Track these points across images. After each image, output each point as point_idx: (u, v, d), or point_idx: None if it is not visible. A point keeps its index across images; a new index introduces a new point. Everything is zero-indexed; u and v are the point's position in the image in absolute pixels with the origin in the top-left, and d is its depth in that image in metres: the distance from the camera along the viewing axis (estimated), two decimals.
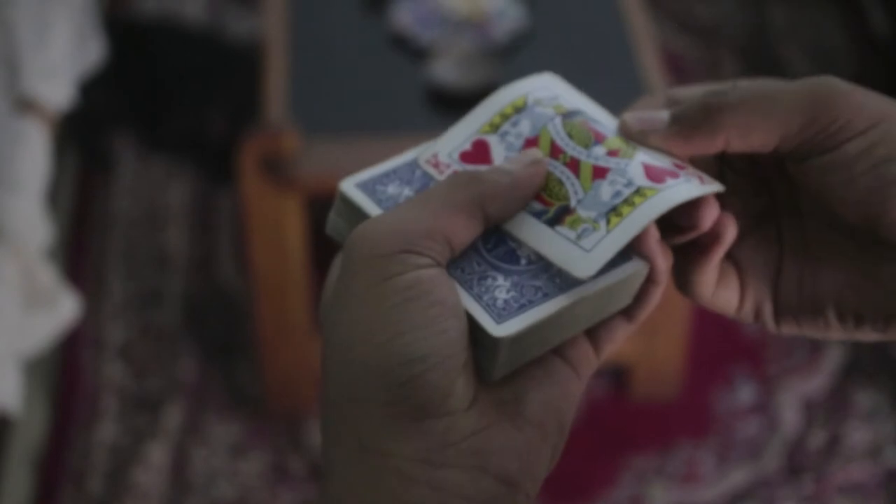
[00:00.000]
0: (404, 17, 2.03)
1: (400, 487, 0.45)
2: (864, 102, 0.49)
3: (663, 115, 0.52)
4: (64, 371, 2.15)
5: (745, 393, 2.12)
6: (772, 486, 2.00)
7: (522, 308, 0.48)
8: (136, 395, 2.13)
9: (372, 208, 0.52)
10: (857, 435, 2.06)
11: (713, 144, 0.51)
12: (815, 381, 2.14)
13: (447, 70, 1.93)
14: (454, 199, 0.49)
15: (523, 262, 0.50)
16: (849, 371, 2.15)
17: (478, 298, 0.48)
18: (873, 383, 2.13)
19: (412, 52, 1.99)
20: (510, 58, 1.98)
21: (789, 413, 2.09)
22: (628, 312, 0.52)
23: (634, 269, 0.50)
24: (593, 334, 0.52)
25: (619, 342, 0.52)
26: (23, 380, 1.91)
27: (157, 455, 2.03)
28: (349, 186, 0.53)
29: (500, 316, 0.48)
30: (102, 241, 2.37)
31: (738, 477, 2.01)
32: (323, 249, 2.24)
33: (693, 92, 0.53)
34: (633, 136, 0.52)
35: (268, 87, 1.90)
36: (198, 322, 2.23)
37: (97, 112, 2.52)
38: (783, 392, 2.12)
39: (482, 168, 0.52)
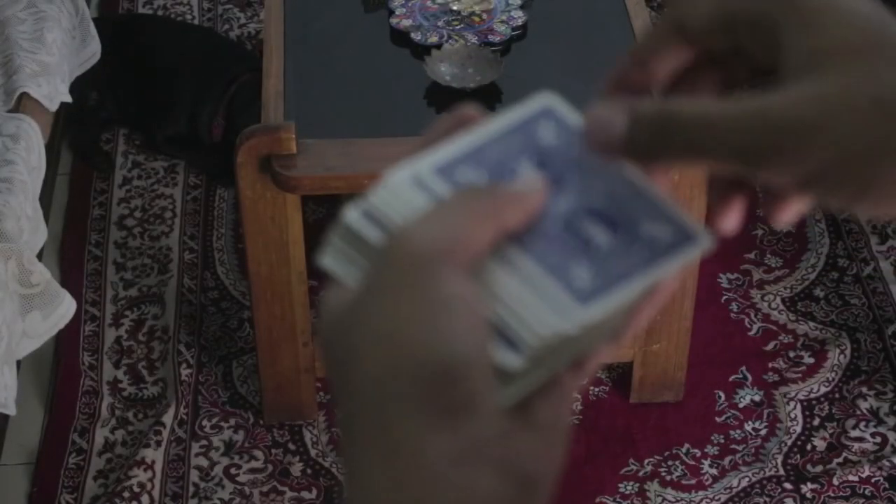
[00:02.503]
0: (404, 17, 2.02)
1: (429, 487, 0.45)
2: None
3: (619, 123, 0.50)
4: (61, 372, 2.14)
5: (745, 394, 2.11)
6: (772, 488, 1.99)
7: (607, 288, 0.49)
8: (135, 396, 2.12)
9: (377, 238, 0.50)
10: (858, 437, 2.05)
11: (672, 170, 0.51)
12: (817, 383, 2.13)
13: (447, 69, 1.92)
14: (488, 208, 0.48)
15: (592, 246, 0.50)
16: (850, 373, 2.15)
17: (553, 273, 0.48)
18: (874, 385, 2.13)
19: (412, 51, 1.99)
20: (510, 57, 1.98)
21: (790, 415, 2.09)
22: (615, 334, 0.52)
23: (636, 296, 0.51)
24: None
25: (604, 360, 0.53)
26: (19, 380, 1.90)
27: (154, 456, 2.02)
28: (354, 218, 0.51)
29: (585, 295, 0.48)
30: (100, 241, 2.37)
31: (738, 479, 2.00)
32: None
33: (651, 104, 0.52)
34: (594, 148, 0.51)
35: (267, 87, 1.89)
36: (196, 322, 2.23)
37: (94, 111, 2.51)
38: (784, 394, 2.11)
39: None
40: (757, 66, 0.50)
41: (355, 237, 0.50)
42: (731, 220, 0.53)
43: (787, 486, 1.99)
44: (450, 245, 0.46)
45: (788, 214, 0.52)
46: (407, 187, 0.51)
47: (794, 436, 2.06)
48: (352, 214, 0.50)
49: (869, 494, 1.98)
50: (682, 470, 2.01)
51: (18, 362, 1.86)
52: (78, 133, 2.52)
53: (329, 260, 0.50)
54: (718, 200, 0.53)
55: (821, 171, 0.47)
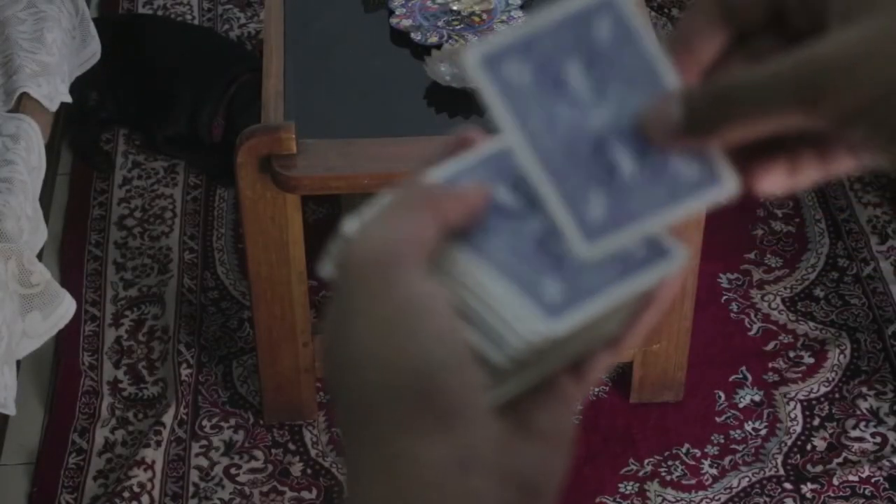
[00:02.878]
0: (404, 17, 2.02)
1: (428, 494, 0.45)
2: None
3: (673, 109, 0.50)
4: (61, 372, 2.15)
5: (745, 394, 2.11)
6: (772, 488, 1.99)
7: (620, 224, 0.48)
8: (134, 396, 2.12)
9: None
10: (858, 437, 2.05)
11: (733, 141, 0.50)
12: (817, 383, 2.13)
13: (447, 69, 1.92)
14: (429, 195, 0.48)
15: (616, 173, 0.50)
16: (850, 373, 2.15)
17: (568, 205, 0.48)
18: (874, 385, 2.13)
19: (412, 51, 1.99)
20: None
21: (790, 415, 2.09)
22: (614, 342, 0.52)
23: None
24: (576, 366, 0.51)
25: (604, 372, 0.52)
26: (19, 381, 1.90)
27: (154, 456, 2.02)
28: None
29: (593, 233, 0.48)
30: (100, 241, 2.37)
31: (738, 479, 2.00)
32: (322, 249, 2.23)
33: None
34: (657, 142, 0.50)
35: (267, 87, 1.89)
36: (196, 322, 2.23)
37: (94, 111, 2.51)
38: (784, 394, 2.11)
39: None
40: (795, 34, 0.50)
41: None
42: (776, 180, 0.52)
43: (787, 486, 1.99)
44: (395, 247, 0.46)
45: (843, 166, 0.52)
46: None
47: (794, 436, 2.06)
48: (351, 226, 0.50)
49: (869, 494, 1.98)
50: (682, 470, 2.01)
51: (18, 362, 1.86)
52: (78, 133, 2.52)
53: (330, 269, 0.50)
54: (760, 164, 0.52)
55: (869, 106, 0.46)
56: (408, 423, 0.45)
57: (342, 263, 0.47)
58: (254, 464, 2.03)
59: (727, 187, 0.49)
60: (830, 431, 2.06)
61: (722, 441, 2.05)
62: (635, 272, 0.49)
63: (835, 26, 0.48)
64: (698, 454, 2.03)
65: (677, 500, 1.98)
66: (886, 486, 1.99)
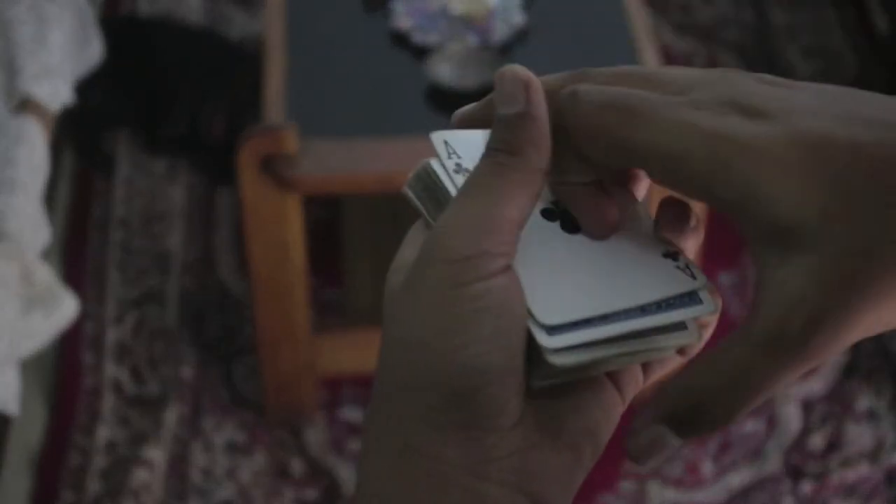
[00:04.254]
0: (404, 17, 2.03)
1: (439, 491, 0.45)
2: None
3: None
4: (63, 371, 2.15)
5: None
6: (771, 486, 2.00)
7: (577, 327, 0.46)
8: (136, 396, 2.12)
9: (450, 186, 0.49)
10: (857, 436, 2.06)
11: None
12: (815, 382, 2.14)
13: (447, 69, 1.93)
14: (511, 177, 0.46)
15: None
16: (848, 372, 2.15)
17: (529, 283, 0.46)
18: (873, 384, 2.13)
19: (412, 51, 1.99)
20: (510, 57, 1.98)
21: (789, 414, 2.09)
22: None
23: (702, 313, 0.49)
24: (646, 364, 0.50)
25: (669, 369, 0.51)
26: (22, 380, 1.91)
27: (156, 455, 2.02)
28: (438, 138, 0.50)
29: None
30: (101, 242, 2.37)
31: (737, 478, 2.01)
32: (323, 249, 2.24)
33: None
34: None
35: (268, 87, 1.90)
36: (197, 322, 2.23)
37: (96, 112, 2.52)
38: (783, 393, 2.12)
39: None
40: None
41: (433, 174, 0.50)
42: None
43: (787, 484, 2.00)
44: (476, 236, 0.45)
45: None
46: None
47: (792, 435, 2.06)
48: (438, 137, 0.50)
49: (867, 492, 1.99)
50: (682, 469, 2.02)
51: (21, 362, 1.87)
52: (80, 134, 2.53)
53: (408, 189, 0.50)
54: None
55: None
56: (431, 422, 0.45)
57: (429, 242, 0.46)
58: (255, 463, 2.03)
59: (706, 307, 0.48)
60: (829, 430, 2.07)
61: (721, 440, 2.06)
62: (660, 311, 0.48)
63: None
64: (698, 453, 2.04)
65: (677, 500, 1.98)
66: (884, 484, 2.00)
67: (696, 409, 0.45)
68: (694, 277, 0.48)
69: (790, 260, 0.43)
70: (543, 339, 0.45)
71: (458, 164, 0.49)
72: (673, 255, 0.49)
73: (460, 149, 0.49)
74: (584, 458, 0.48)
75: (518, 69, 0.47)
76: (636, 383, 0.50)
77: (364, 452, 0.48)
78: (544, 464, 0.46)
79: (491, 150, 0.46)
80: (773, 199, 0.43)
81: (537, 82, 0.47)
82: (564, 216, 0.49)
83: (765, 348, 0.43)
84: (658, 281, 0.47)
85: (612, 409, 0.49)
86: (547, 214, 0.49)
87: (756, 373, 0.44)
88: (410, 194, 0.50)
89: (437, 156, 0.49)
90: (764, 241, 0.44)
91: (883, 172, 0.42)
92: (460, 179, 0.48)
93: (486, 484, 0.45)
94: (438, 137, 0.49)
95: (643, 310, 0.47)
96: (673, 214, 0.50)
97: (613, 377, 0.50)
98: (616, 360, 0.47)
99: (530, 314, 0.46)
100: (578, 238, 0.48)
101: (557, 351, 0.46)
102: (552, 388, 0.47)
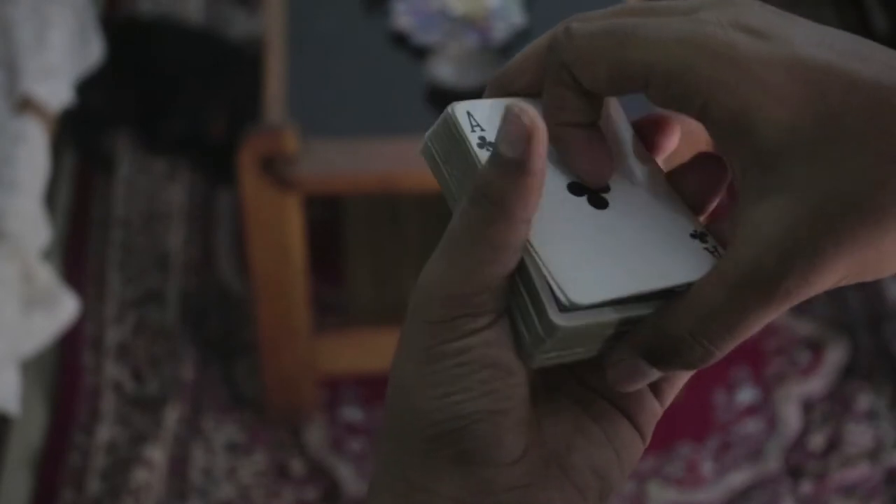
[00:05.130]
0: (404, 17, 2.03)
1: None
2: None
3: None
4: (63, 371, 2.15)
5: (744, 393, 2.12)
6: (771, 486, 2.00)
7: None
8: (136, 395, 2.12)
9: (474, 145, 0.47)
10: (857, 435, 2.06)
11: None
12: (815, 382, 2.14)
13: (447, 69, 1.93)
14: (493, 236, 0.44)
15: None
16: (848, 372, 2.15)
17: (553, 258, 0.45)
18: (873, 384, 2.13)
19: (412, 51, 1.99)
20: (510, 57, 1.98)
21: (789, 414, 2.09)
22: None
23: None
24: (656, 386, 0.49)
25: (680, 387, 0.50)
26: (22, 380, 1.91)
27: (156, 455, 2.02)
28: (460, 111, 0.47)
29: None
30: (102, 241, 2.37)
31: (737, 478, 2.01)
32: (323, 249, 2.24)
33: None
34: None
35: (268, 87, 1.90)
36: (197, 322, 2.23)
37: (96, 112, 2.52)
38: (783, 393, 2.12)
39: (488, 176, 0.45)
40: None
41: (460, 138, 0.47)
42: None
43: (787, 484, 2.00)
44: (454, 298, 0.44)
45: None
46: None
47: (793, 434, 2.06)
48: (460, 109, 0.48)
49: (867, 492, 1.99)
50: (682, 469, 2.02)
51: (21, 362, 1.87)
52: (80, 134, 2.53)
53: (430, 145, 0.48)
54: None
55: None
56: (429, 457, 0.45)
57: (413, 302, 0.46)
58: (255, 463, 2.03)
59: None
60: (829, 430, 2.07)
61: (721, 440, 2.06)
62: (679, 271, 0.46)
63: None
64: (698, 453, 2.04)
65: (677, 500, 1.98)
66: (884, 483, 2.00)
67: (671, 347, 0.44)
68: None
69: (769, 197, 0.42)
70: (576, 294, 0.44)
71: (481, 138, 0.47)
72: (701, 235, 0.47)
73: (484, 121, 0.47)
74: (590, 499, 0.47)
75: (526, 112, 0.43)
76: (654, 416, 0.49)
77: (374, 479, 0.48)
78: (546, 501, 0.46)
79: (477, 195, 0.44)
80: (761, 121, 0.42)
81: (543, 132, 0.43)
82: (592, 191, 0.47)
83: (737, 288, 0.43)
84: (687, 264, 0.46)
85: (628, 449, 0.48)
86: (574, 189, 0.47)
87: (728, 313, 0.43)
88: (433, 150, 0.48)
89: (454, 127, 0.47)
90: (747, 172, 0.43)
91: (875, 113, 0.41)
92: (485, 155, 0.46)
93: None
94: (461, 109, 0.47)
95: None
96: (704, 170, 0.48)
97: (629, 413, 0.48)
98: (619, 325, 0.46)
99: (545, 292, 0.44)
100: (606, 213, 0.47)
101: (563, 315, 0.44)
102: (553, 364, 0.46)
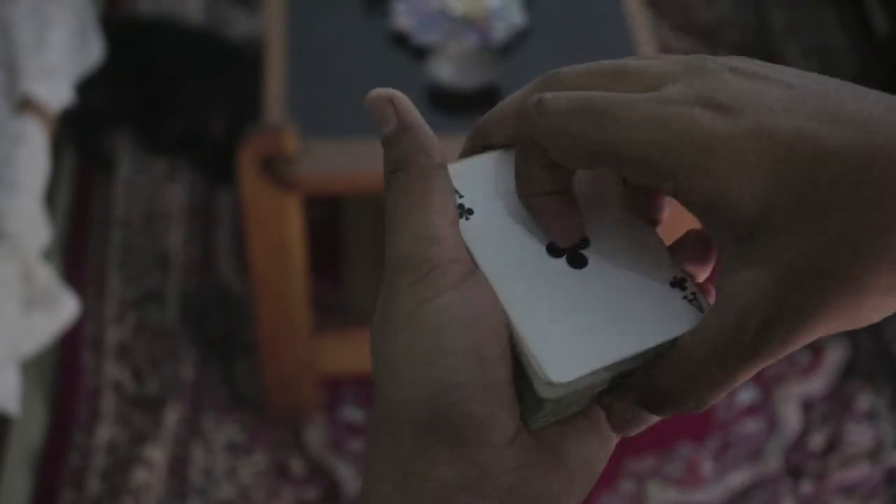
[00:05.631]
0: (404, 17, 2.03)
1: None
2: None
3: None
4: (63, 371, 2.15)
5: (744, 394, 2.12)
6: (771, 486, 2.00)
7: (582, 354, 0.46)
8: (136, 395, 2.13)
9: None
10: (857, 435, 2.06)
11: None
12: (815, 382, 2.14)
13: (447, 69, 1.93)
14: (415, 189, 0.47)
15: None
16: (848, 372, 2.15)
17: (534, 333, 0.46)
18: (873, 384, 2.13)
19: (412, 51, 1.99)
20: (510, 57, 1.98)
21: (789, 414, 2.09)
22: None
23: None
24: None
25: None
26: (22, 380, 1.91)
27: (156, 455, 2.03)
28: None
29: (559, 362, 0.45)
30: (102, 242, 2.37)
31: (737, 478, 2.01)
32: (323, 249, 2.24)
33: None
34: None
35: (268, 87, 1.90)
36: (197, 322, 2.23)
37: (96, 112, 2.52)
38: (783, 393, 2.12)
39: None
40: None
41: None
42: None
43: (787, 484, 2.00)
44: (428, 251, 0.45)
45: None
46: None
47: (792, 435, 2.06)
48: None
49: (867, 492, 1.99)
50: (681, 469, 2.02)
51: (21, 362, 1.87)
52: (80, 134, 2.53)
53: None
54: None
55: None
56: (422, 443, 0.45)
57: (389, 263, 0.47)
58: (255, 463, 2.03)
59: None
60: (829, 430, 2.07)
61: (721, 440, 2.06)
62: (659, 329, 0.47)
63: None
64: (698, 453, 2.04)
65: (677, 500, 1.99)
66: (884, 483, 2.00)
67: (663, 399, 0.46)
68: (701, 309, 0.47)
69: (749, 265, 0.43)
70: (543, 390, 0.45)
71: (460, 206, 0.48)
72: (680, 282, 0.48)
73: (462, 186, 0.49)
74: (577, 487, 0.47)
75: (379, 91, 0.49)
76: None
77: (365, 478, 0.48)
78: (541, 484, 0.46)
79: (389, 173, 0.48)
80: (735, 200, 0.42)
81: (399, 94, 0.49)
82: (570, 251, 0.48)
83: (720, 352, 0.44)
84: (666, 319, 0.47)
85: (608, 442, 0.49)
86: (553, 250, 0.48)
87: (713, 375, 0.44)
88: None
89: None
90: (726, 244, 0.44)
91: (844, 181, 0.41)
92: (464, 224, 0.48)
93: (479, 499, 0.45)
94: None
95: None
96: (695, 247, 0.49)
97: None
98: (610, 381, 0.47)
99: (531, 366, 0.45)
100: (585, 273, 0.47)
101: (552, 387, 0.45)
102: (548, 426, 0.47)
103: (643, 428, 0.48)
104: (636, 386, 0.46)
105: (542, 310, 0.46)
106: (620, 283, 0.47)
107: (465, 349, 0.44)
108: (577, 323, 0.46)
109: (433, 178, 0.47)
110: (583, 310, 0.46)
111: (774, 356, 0.43)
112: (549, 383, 0.45)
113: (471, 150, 0.50)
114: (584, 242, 0.48)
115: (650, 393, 0.46)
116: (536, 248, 0.48)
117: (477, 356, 0.44)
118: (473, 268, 0.46)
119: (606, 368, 0.46)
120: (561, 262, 0.48)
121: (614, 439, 0.50)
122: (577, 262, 0.48)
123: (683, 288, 0.48)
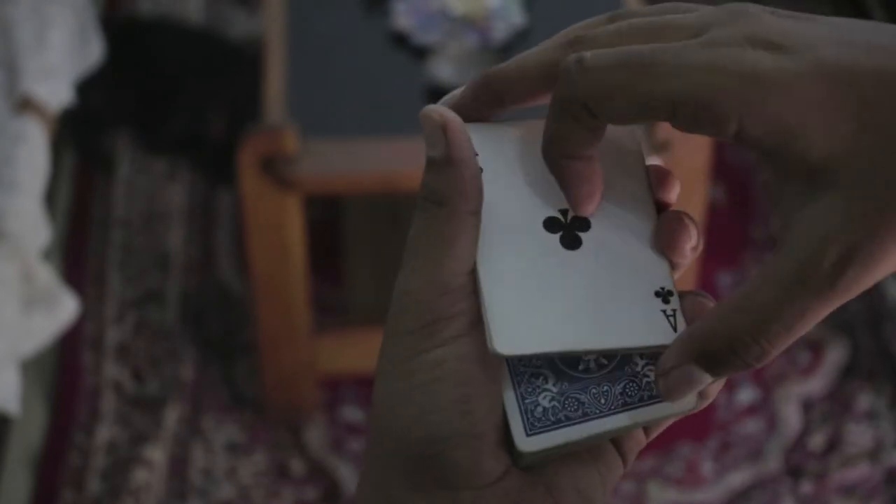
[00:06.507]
0: (404, 17, 2.03)
1: None
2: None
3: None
4: (63, 371, 2.15)
5: (744, 393, 2.12)
6: (771, 486, 2.00)
7: (556, 424, 0.45)
8: (136, 395, 2.13)
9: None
10: (857, 435, 2.06)
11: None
12: (815, 382, 2.14)
13: (447, 69, 1.93)
14: (444, 231, 0.46)
15: (580, 367, 0.46)
16: (848, 372, 2.15)
17: (520, 399, 0.45)
18: (873, 384, 2.13)
19: (412, 51, 1.99)
20: (510, 57, 1.98)
21: (789, 413, 2.09)
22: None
23: (688, 409, 0.47)
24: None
25: (666, 426, 0.50)
26: (22, 380, 1.91)
27: (156, 455, 2.02)
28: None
29: (533, 427, 0.45)
30: (102, 242, 2.37)
31: (737, 478, 2.01)
32: (323, 249, 2.24)
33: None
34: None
35: (267, 87, 1.90)
36: (197, 322, 2.23)
37: (96, 112, 2.52)
38: (783, 393, 2.12)
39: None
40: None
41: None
42: None
43: (787, 484, 2.00)
44: (426, 305, 0.45)
45: None
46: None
47: (792, 435, 2.06)
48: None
49: (867, 492, 1.99)
50: (682, 469, 2.02)
51: (21, 362, 1.87)
52: (81, 133, 2.53)
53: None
54: None
55: None
56: (410, 479, 0.45)
57: (391, 311, 0.46)
58: (255, 463, 2.03)
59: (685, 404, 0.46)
60: (829, 430, 2.07)
61: (721, 440, 2.06)
62: (636, 407, 0.47)
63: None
64: (698, 453, 2.04)
65: (677, 500, 1.99)
66: (884, 483, 2.00)
67: (727, 350, 0.44)
68: (675, 330, 0.46)
69: (819, 197, 0.42)
70: (521, 442, 0.45)
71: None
72: (666, 294, 0.47)
73: (481, 145, 0.47)
74: None
75: (434, 110, 0.46)
76: (638, 445, 0.49)
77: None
78: None
79: (421, 199, 0.46)
80: (801, 134, 0.42)
81: (455, 122, 0.46)
82: (568, 230, 0.47)
83: (794, 289, 0.43)
84: (636, 325, 0.46)
85: (611, 472, 0.48)
86: (549, 224, 0.47)
87: (786, 315, 0.43)
88: None
89: None
90: (793, 180, 0.43)
91: None
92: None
93: None
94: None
95: (624, 403, 0.46)
96: (672, 230, 0.48)
97: (615, 440, 0.49)
98: (591, 439, 0.46)
99: (509, 423, 0.45)
100: (575, 255, 0.47)
101: (531, 440, 0.45)
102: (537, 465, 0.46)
103: (693, 392, 0.45)
104: (696, 340, 0.44)
105: (515, 281, 0.45)
106: (604, 277, 0.46)
107: (453, 404, 0.44)
108: (545, 303, 0.45)
109: (463, 224, 0.45)
110: (555, 292, 0.46)
111: (851, 289, 0.43)
112: (498, 353, 0.44)
113: (474, 101, 0.49)
114: (585, 224, 0.47)
115: (712, 342, 0.44)
116: (535, 220, 0.47)
117: (465, 409, 0.44)
118: (477, 319, 0.45)
119: (554, 354, 0.45)
120: (554, 240, 0.47)
121: (619, 471, 0.49)
122: (571, 242, 0.47)
123: (666, 301, 0.46)
